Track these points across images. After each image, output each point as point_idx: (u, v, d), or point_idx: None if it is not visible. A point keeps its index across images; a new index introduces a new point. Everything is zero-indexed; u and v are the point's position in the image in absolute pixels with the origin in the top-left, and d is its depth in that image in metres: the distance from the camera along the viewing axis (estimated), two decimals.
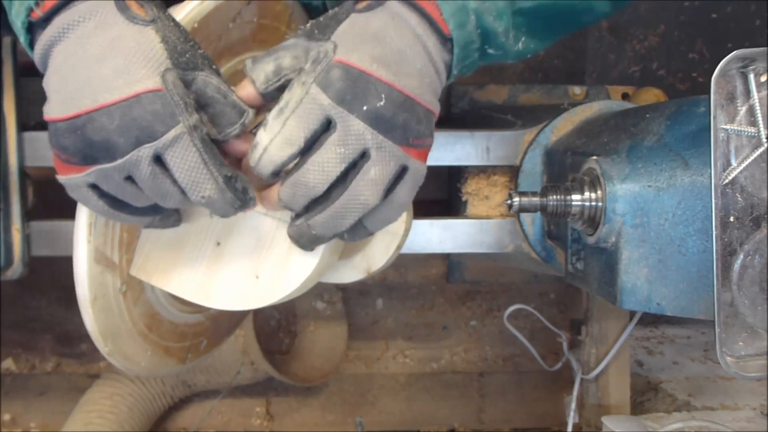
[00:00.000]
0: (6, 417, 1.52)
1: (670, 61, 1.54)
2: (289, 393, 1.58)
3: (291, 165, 0.58)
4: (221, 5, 0.68)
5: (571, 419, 1.22)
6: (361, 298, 1.61)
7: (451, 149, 0.98)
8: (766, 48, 0.61)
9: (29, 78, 0.90)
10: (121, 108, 0.53)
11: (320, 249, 0.66)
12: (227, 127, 0.58)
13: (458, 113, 1.37)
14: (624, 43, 1.54)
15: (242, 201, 0.58)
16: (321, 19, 0.61)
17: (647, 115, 0.78)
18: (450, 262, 1.57)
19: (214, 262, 0.70)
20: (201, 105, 0.57)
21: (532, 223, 0.97)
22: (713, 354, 1.13)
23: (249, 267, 0.69)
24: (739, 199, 0.64)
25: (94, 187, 0.57)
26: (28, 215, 0.93)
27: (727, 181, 0.64)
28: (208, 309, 0.84)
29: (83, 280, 0.66)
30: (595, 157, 0.76)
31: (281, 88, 0.59)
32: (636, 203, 0.72)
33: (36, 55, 0.58)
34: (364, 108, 0.55)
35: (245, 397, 1.57)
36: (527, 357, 1.57)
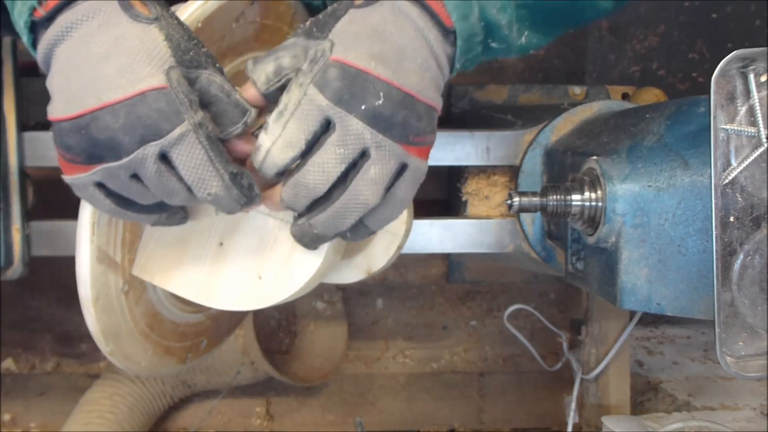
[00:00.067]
0: (6, 417, 1.52)
1: (670, 61, 1.54)
2: (289, 393, 1.58)
3: (294, 165, 0.58)
4: (225, 5, 0.68)
5: (571, 419, 1.22)
6: (361, 298, 1.61)
7: (451, 149, 0.98)
8: (766, 48, 0.61)
9: (29, 78, 0.90)
10: (125, 106, 0.53)
11: (323, 250, 0.66)
12: (229, 126, 0.58)
13: (458, 113, 1.36)
14: (624, 43, 1.54)
15: (248, 197, 0.58)
16: (320, 16, 0.60)
17: (647, 115, 0.78)
18: (450, 262, 1.57)
19: (216, 262, 0.70)
20: (204, 103, 0.57)
21: (532, 223, 0.97)
22: (713, 354, 1.13)
23: (252, 267, 0.69)
24: (739, 199, 0.64)
25: (100, 186, 0.57)
26: (28, 215, 0.93)
27: (727, 181, 0.64)
28: (209, 309, 0.84)
29: (85, 280, 0.66)
30: (595, 157, 0.76)
31: (282, 88, 0.58)
32: (636, 203, 0.72)
33: (39, 55, 0.58)
34: (363, 107, 0.55)
35: (245, 397, 1.56)
36: (527, 357, 1.57)
